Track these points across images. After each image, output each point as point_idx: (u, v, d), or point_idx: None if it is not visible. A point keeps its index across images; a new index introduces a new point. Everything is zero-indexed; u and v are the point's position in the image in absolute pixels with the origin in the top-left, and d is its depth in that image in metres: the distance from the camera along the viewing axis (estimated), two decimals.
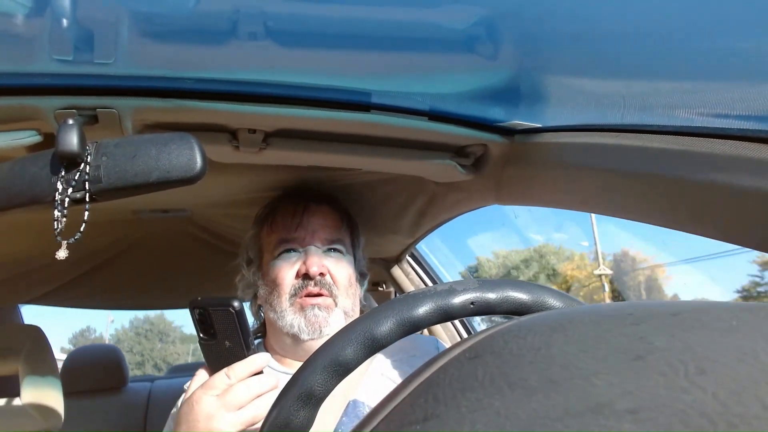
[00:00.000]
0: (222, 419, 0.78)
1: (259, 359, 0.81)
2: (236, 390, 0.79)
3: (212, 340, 0.82)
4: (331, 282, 1.09)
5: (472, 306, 0.48)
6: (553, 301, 0.50)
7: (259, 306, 1.18)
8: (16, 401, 1.31)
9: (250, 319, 1.22)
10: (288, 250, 1.11)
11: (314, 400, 0.46)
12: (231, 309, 0.78)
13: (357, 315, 1.15)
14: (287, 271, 1.09)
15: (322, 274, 1.08)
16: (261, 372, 0.82)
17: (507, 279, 0.51)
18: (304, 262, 1.08)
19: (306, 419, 0.46)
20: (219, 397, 0.79)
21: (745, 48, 0.68)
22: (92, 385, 2.38)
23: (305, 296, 1.07)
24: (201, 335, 0.83)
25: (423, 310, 0.48)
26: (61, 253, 0.64)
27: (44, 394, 1.33)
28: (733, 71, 0.70)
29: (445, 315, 0.48)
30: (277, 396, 0.48)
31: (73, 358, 2.50)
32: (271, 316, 1.10)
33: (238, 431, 0.78)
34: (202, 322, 0.82)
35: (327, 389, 0.46)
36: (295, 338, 1.07)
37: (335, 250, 1.13)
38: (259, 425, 0.79)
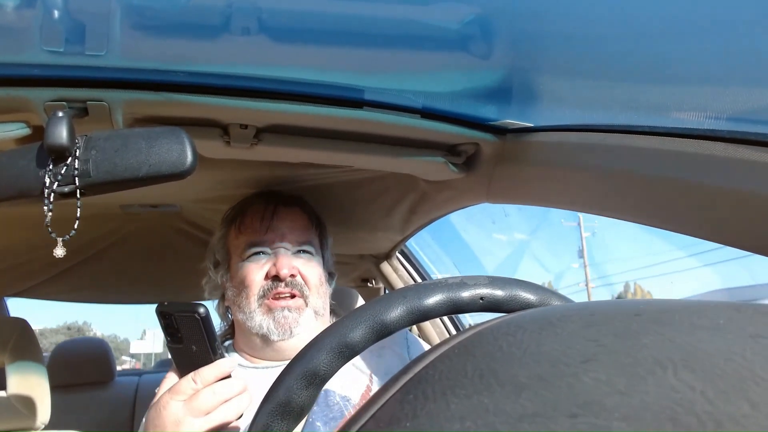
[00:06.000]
0: (189, 424, 0.78)
1: (225, 364, 0.81)
2: (203, 395, 0.79)
3: (179, 345, 0.82)
4: (302, 282, 1.09)
5: (481, 301, 0.49)
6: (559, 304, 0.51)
7: (227, 307, 1.17)
8: (2, 394, 1.30)
9: (218, 321, 1.22)
10: (257, 253, 1.10)
11: (318, 380, 0.46)
12: (196, 315, 0.78)
13: (327, 314, 1.15)
14: (256, 273, 1.08)
15: (292, 276, 1.07)
16: (229, 376, 0.81)
17: (516, 278, 0.51)
18: (275, 264, 1.07)
19: (308, 399, 0.46)
20: (186, 403, 0.79)
21: (737, 50, 0.68)
22: (79, 379, 2.36)
23: (274, 297, 1.06)
24: (168, 340, 0.83)
25: (434, 300, 0.48)
26: (59, 251, 0.63)
27: (30, 387, 1.32)
28: (726, 73, 0.71)
29: (455, 307, 0.48)
30: (279, 373, 0.48)
31: (60, 351, 2.48)
32: (239, 317, 1.10)
33: None
34: (168, 327, 0.81)
35: (331, 370, 0.46)
36: (265, 338, 1.06)
37: (305, 251, 1.13)
38: (225, 430, 0.79)
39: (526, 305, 0.50)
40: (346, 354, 0.46)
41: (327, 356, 0.46)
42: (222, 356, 0.81)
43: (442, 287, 0.49)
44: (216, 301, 1.22)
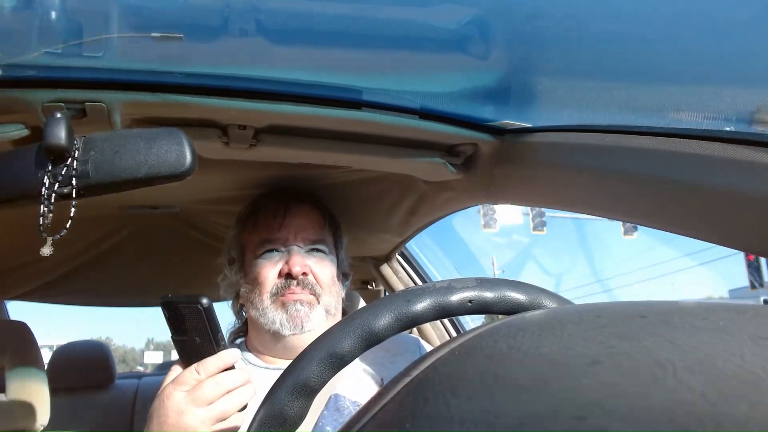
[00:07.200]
0: (191, 414, 0.78)
1: (228, 355, 0.81)
2: (205, 386, 0.79)
3: (183, 337, 0.82)
4: (314, 281, 1.09)
5: (470, 304, 0.49)
6: (549, 303, 0.50)
7: (241, 305, 1.18)
8: (2, 398, 1.30)
9: (233, 319, 1.23)
10: (270, 250, 1.11)
11: (309, 391, 0.46)
12: (199, 306, 0.78)
13: (339, 314, 1.15)
14: (270, 271, 1.09)
15: (305, 274, 1.08)
16: (232, 367, 0.82)
17: (505, 279, 0.51)
18: (287, 262, 1.08)
19: (300, 410, 0.46)
20: (189, 393, 0.79)
21: (735, 51, 0.68)
22: (79, 382, 2.35)
23: (287, 294, 1.07)
24: (172, 332, 0.83)
25: (421, 306, 0.48)
26: (46, 250, 0.63)
27: (30, 390, 1.31)
28: (724, 74, 0.71)
29: (443, 312, 0.48)
30: (271, 386, 0.48)
31: (60, 354, 2.47)
32: (252, 314, 1.11)
33: (207, 427, 0.78)
34: (172, 320, 0.82)
35: (322, 381, 0.46)
36: (277, 334, 1.07)
37: (318, 250, 1.13)
38: (228, 421, 0.80)
39: (516, 306, 0.49)
40: (337, 364, 0.46)
41: (317, 368, 0.46)
42: (225, 347, 0.81)
43: (429, 292, 0.48)
44: (230, 302, 1.23)
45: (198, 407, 0.78)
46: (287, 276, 1.08)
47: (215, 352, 0.81)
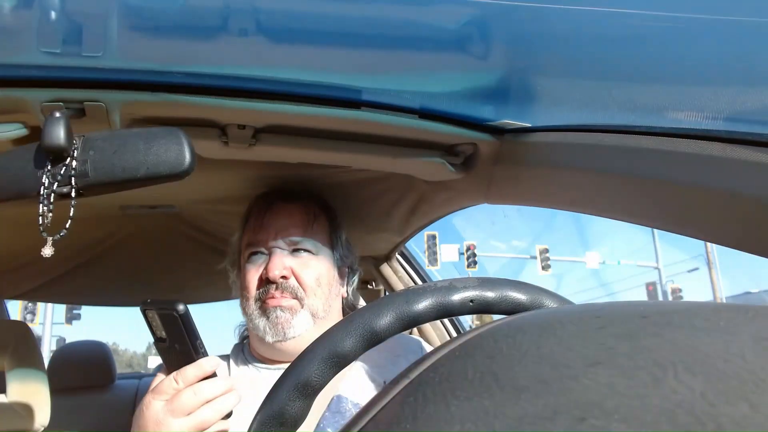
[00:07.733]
0: (169, 425, 0.76)
1: (207, 363, 0.78)
2: (183, 396, 0.77)
3: (164, 343, 0.80)
4: (296, 284, 1.06)
5: (471, 303, 0.49)
6: (551, 303, 0.50)
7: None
8: (2, 398, 1.30)
9: (242, 319, 1.22)
10: (255, 253, 1.09)
11: (310, 391, 0.46)
12: (175, 313, 0.75)
13: (333, 315, 1.13)
14: (253, 276, 1.08)
15: (284, 278, 1.05)
16: (213, 375, 0.79)
17: (507, 278, 0.51)
18: (266, 266, 1.06)
19: (301, 410, 0.46)
20: (167, 403, 0.77)
21: (733, 51, 0.68)
22: (80, 382, 2.35)
23: (268, 299, 1.05)
24: (153, 338, 0.81)
25: (423, 305, 0.48)
26: (47, 251, 0.63)
27: (31, 391, 1.31)
28: (722, 74, 0.71)
29: (445, 311, 0.48)
30: (272, 385, 0.48)
31: (60, 354, 2.47)
32: (245, 318, 1.10)
33: None
34: (152, 325, 0.80)
35: (324, 380, 0.46)
36: (262, 341, 1.06)
37: (303, 250, 1.10)
38: (211, 429, 0.78)
39: (517, 306, 0.49)
40: (338, 363, 0.46)
41: (318, 367, 0.46)
42: (205, 355, 0.79)
43: (431, 292, 0.48)
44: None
45: (176, 418, 0.76)
46: (267, 281, 1.05)
47: (194, 360, 0.78)
